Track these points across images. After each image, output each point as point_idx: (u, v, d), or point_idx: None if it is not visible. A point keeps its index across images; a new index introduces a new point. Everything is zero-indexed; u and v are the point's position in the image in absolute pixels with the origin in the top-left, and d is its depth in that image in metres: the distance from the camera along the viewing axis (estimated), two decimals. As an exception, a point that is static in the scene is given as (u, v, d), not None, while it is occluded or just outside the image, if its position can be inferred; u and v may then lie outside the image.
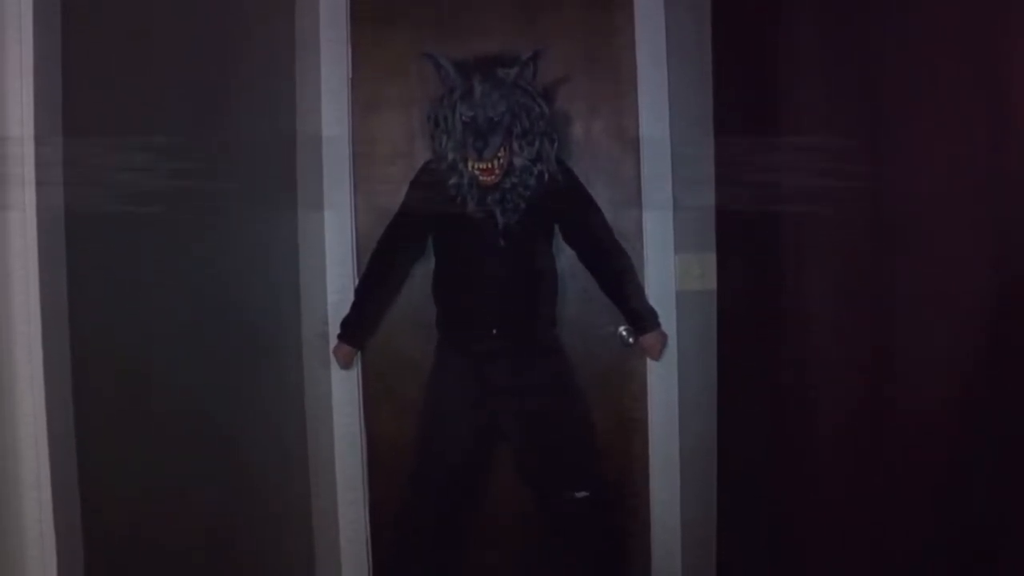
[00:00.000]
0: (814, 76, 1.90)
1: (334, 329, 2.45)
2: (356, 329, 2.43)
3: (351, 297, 2.46)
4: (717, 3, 2.30)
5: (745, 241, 2.23)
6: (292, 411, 2.53)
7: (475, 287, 2.28)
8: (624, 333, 2.53)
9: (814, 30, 1.92)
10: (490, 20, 2.54)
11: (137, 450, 1.67)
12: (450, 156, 2.19)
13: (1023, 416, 1.53)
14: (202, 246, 1.98)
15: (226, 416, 2.08)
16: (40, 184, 1.38)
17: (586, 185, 2.40)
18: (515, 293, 2.27)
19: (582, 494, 2.28)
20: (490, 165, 2.16)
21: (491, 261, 2.25)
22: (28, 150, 1.38)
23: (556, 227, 2.38)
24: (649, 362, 2.54)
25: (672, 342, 2.50)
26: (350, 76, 2.57)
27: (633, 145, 2.55)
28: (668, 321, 2.48)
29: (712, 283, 2.43)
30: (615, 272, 2.37)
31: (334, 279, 2.57)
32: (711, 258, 2.44)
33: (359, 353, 2.51)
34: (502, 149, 2.16)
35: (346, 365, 2.47)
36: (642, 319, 2.37)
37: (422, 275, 2.47)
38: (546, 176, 2.22)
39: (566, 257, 2.45)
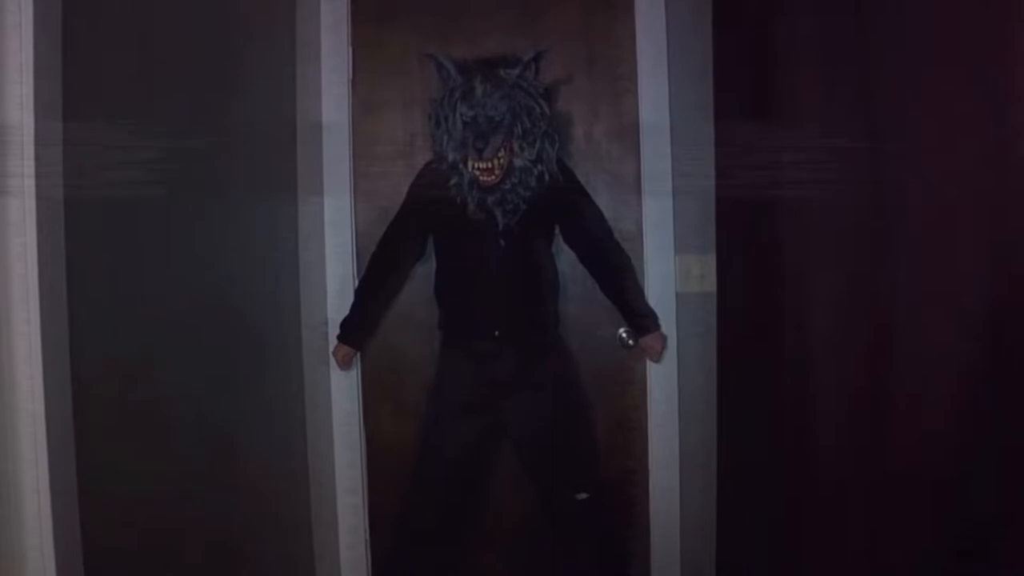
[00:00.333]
0: (814, 76, 1.91)
1: (333, 329, 2.45)
2: (356, 330, 2.43)
3: (351, 298, 2.46)
4: (718, 6, 2.30)
5: (745, 243, 2.23)
6: (292, 412, 2.52)
7: (476, 288, 2.28)
8: (624, 335, 2.53)
9: (815, 32, 1.92)
10: (491, 21, 2.55)
11: (136, 451, 1.67)
12: (451, 156, 2.19)
13: (1023, 416, 1.53)
14: (202, 246, 1.98)
15: (226, 417, 2.08)
16: (39, 170, 1.38)
17: (586, 186, 2.40)
18: (516, 294, 2.27)
19: (583, 495, 2.28)
20: (490, 165, 2.16)
21: (491, 262, 2.25)
22: (28, 136, 1.37)
23: (556, 228, 2.38)
24: (649, 363, 2.54)
25: (672, 343, 2.50)
26: (351, 77, 2.57)
27: (633, 146, 2.55)
28: (668, 322, 2.48)
29: (712, 285, 2.43)
30: (615, 273, 2.37)
31: (334, 280, 2.57)
32: (711, 259, 2.44)
33: (358, 354, 2.51)
34: (502, 149, 2.16)
35: (345, 366, 2.47)
36: (642, 320, 2.37)
37: (422, 276, 2.47)
38: (547, 177, 2.22)
39: (566, 258, 2.44)
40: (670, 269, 2.54)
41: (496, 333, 2.25)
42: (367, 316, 2.45)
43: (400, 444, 2.48)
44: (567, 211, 2.34)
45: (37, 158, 1.39)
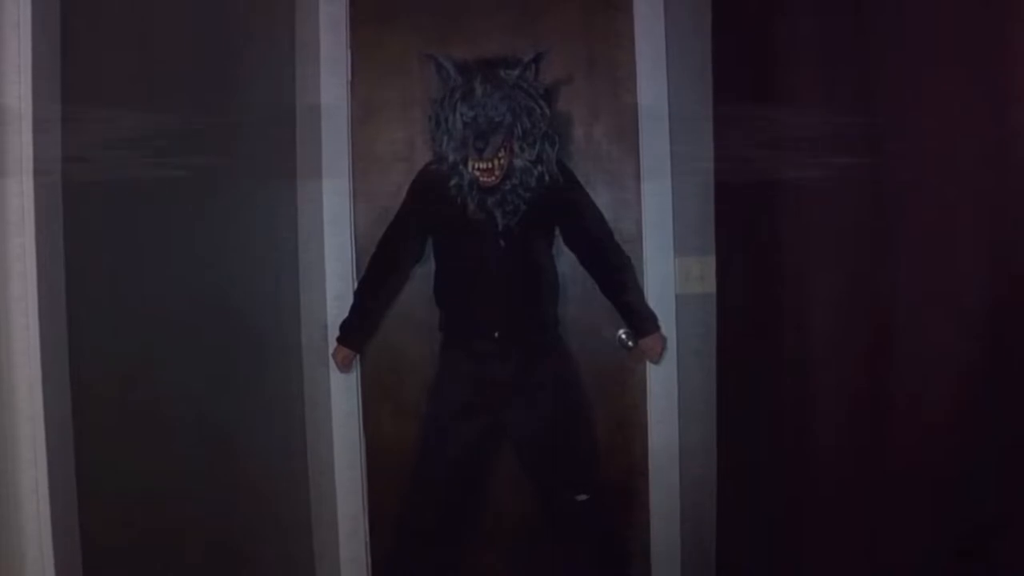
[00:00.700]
0: (814, 76, 1.91)
1: (333, 331, 2.44)
2: (355, 331, 2.43)
3: (350, 299, 2.46)
4: (717, 6, 2.30)
5: (745, 243, 2.23)
6: (292, 412, 2.52)
7: (475, 289, 2.28)
8: (624, 336, 2.53)
9: (815, 32, 1.92)
10: (491, 21, 2.55)
11: (135, 451, 1.67)
12: (451, 157, 2.18)
13: (1023, 416, 1.53)
14: (202, 246, 1.98)
15: (226, 417, 2.08)
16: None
17: (586, 186, 2.40)
18: (516, 295, 2.27)
19: (583, 496, 2.28)
20: (490, 166, 2.16)
21: (491, 262, 2.25)
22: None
23: (556, 229, 2.38)
24: (649, 365, 2.54)
25: (672, 345, 2.50)
26: (350, 78, 2.57)
27: (633, 146, 2.55)
28: (668, 324, 2.48)
29: (712, 285, 2.43)
30: (615, 274, 2.37)
31: (333, 281, 2.57)
32: (711, 260, 2.44)
33: (358, 356, 2.51)
34: (502, 150, 2.16)
35: (345, 368, 2.47)
36: (641, 322, 2.37)
37: (422, 277, 2.46)
38: (547, 177, 2.22)
39: (566, 259, 2.44)
40: (670, 270, 2.54)
41: (496, 334, 2.25)
42: (367, 317, 2.45)
43: (400, 444, 2.48)
44: (567, 212, 2.34)
45: (36, 157, 1.38)
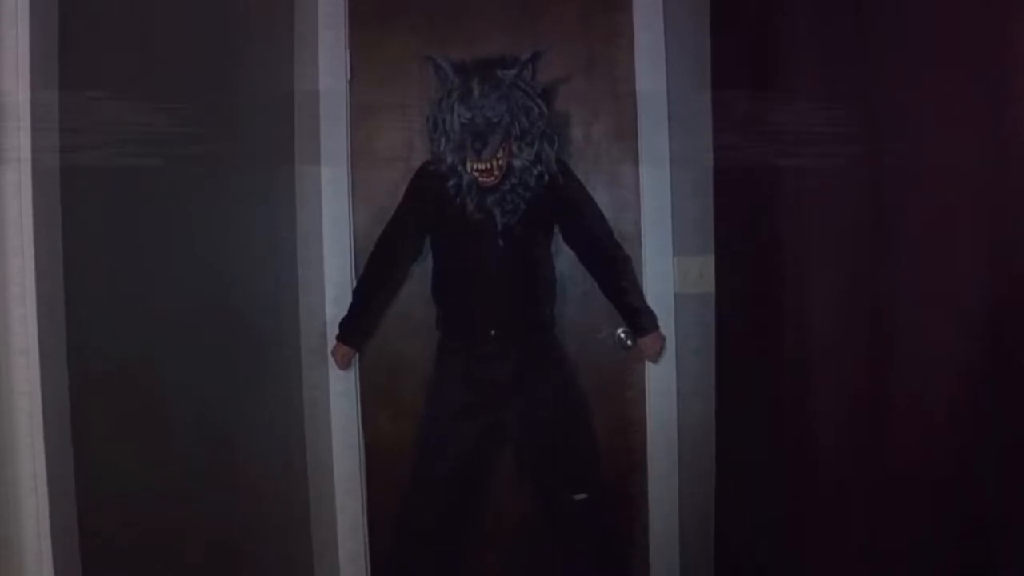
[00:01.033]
0: (814, 76, 1.91)
1: (332, 330, 2.44)
2: (354, 330, 2.43)
3: (349, 298, 2.46)
4: (717, 6, 2.30)
5: (745, 242, 2.23)
6: (291, 412, 2.52)
7: (474, 288, 2.28)
8: (623, 335, 2.53)
9: (815, 32, 1.92)
10: (490, 21, 2.54)
11: (135, 451, 1.67)
12: (449, 158, 2.18)
13: (1023, 416, 1.53)
14: (202, 246, 1.98)
15: (226, 417, 2.08)
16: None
17: (585, 185, 2.40)
18: (514, 294, 2.27)
19: (581, 496, 2.28)
20: (489, 166, 2.15)
21: (490, 261, 2.25)
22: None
23: (555, 228, 2.38)
24: (649, 363, 2.54)
25: (671, 344, 2.50)
26: (348, 78, 2.57)
27: (632, 146, 2.55)
28: (667, 323, 2.48)
29: (711, 285, 2.43)
30: (614, 273, 2.37)
31: (332, 279, 2.57)
32: (710, 260, 2.44)
33: (357, 354, 2.50)
34: (501, 150, 2.16)
35: (344, 366, 2.47)
36: (641, 321, 2.37)
37: (420, 276, 2.46)
38: (546, 177, 2.22)
39: (566, 258, 2.44)
40: (669, 269, 2.54)
41: (493, 333, 2.25)
42: (365, 316, 2.45)
43: (399, 444, 2.47)
44: (567, 210, 2.34)
45: (34, 150, 1.38)
